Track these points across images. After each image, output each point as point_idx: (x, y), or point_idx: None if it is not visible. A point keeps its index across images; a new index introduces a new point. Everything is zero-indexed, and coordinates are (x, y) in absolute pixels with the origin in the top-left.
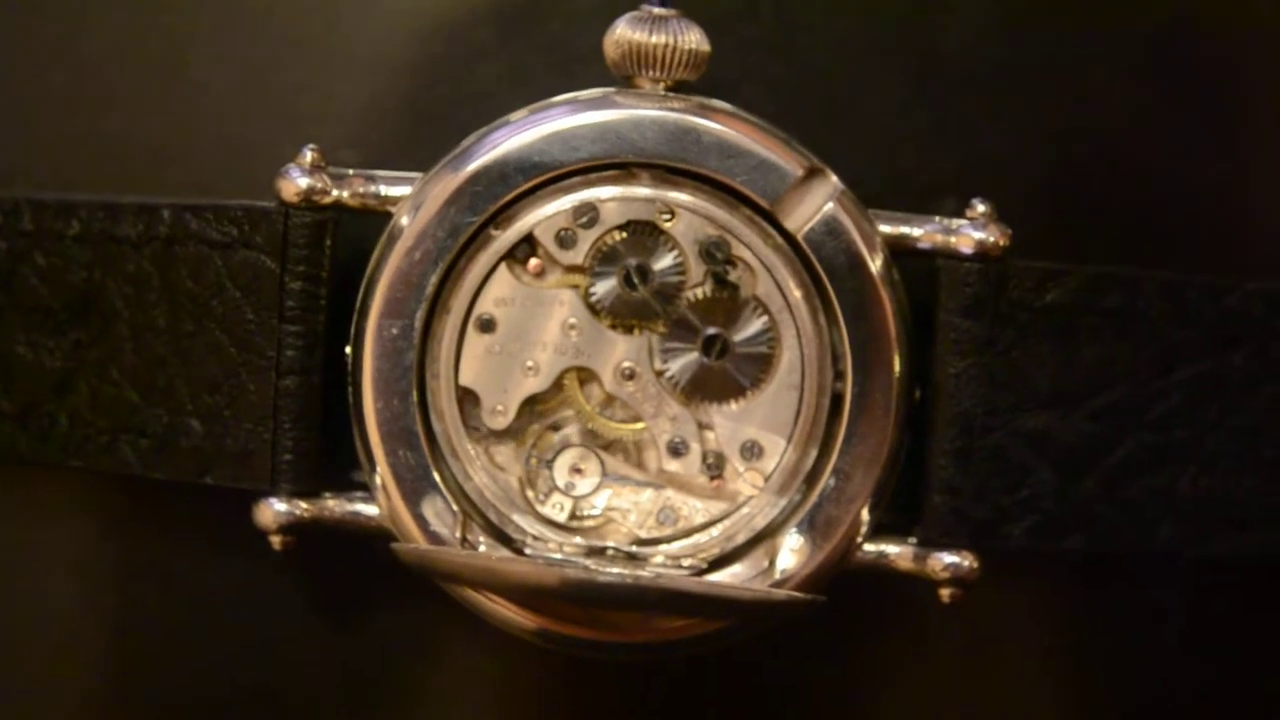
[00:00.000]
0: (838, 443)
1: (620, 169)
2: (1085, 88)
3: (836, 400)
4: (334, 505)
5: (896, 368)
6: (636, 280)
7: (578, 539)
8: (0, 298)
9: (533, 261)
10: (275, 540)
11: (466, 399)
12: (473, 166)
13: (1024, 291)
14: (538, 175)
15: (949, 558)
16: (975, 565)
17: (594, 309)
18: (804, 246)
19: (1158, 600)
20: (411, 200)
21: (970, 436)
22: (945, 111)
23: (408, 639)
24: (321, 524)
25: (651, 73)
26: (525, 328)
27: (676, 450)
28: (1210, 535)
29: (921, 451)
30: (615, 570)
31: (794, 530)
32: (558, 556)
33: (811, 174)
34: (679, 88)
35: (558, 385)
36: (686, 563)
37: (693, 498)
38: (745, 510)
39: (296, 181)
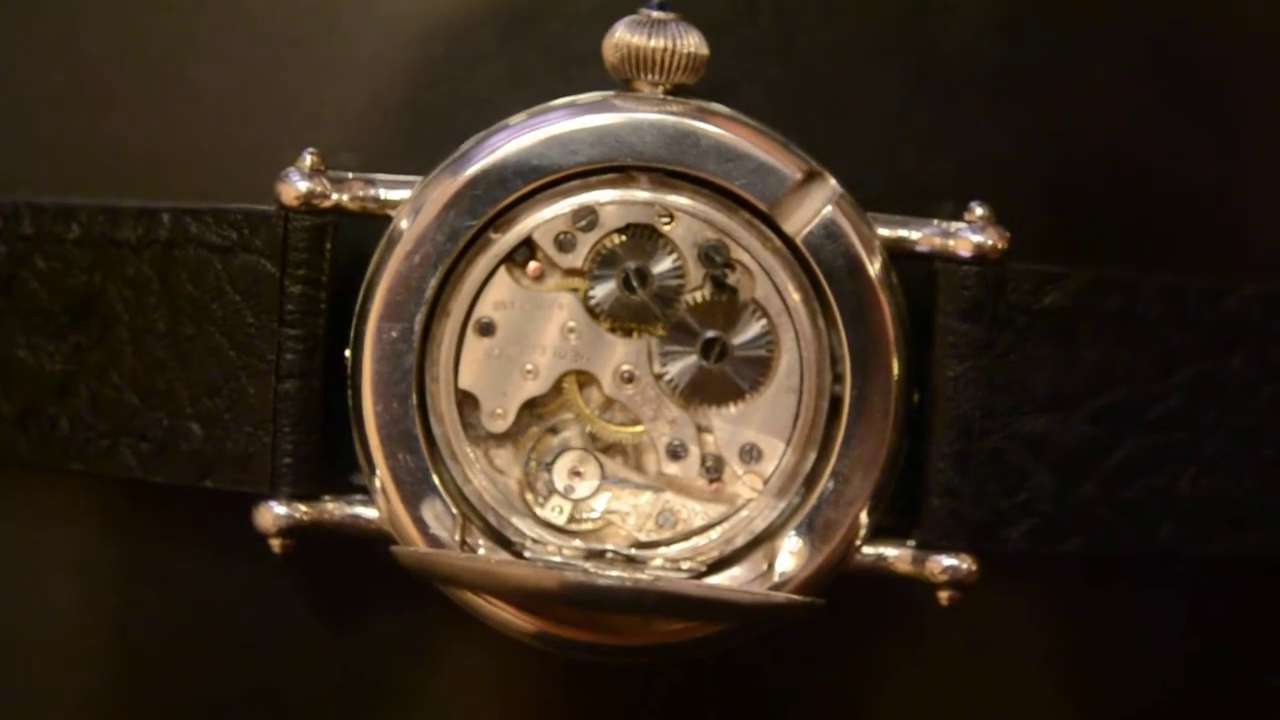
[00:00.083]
0: (836, 446)
1: (619, 172)
2: (1083, 91)
3: (835, 403)
4: (334, 508)
5: (895, 371)
6: (635, 283)
7: (577, 542)
8: (0, 301)
9: (532, 265)
10: (275, 543)
11: (466, 402)
12: (472, 170)
13: (1022, 294)
14: (537, 179)
15: (948, 560)
16: (974, 568)
17: (593, 312)
18: (803, 250)
19: (1157, 602)
20: (411, 204)
21: (969, 439)
22: (943, 115)
23: (407, 642)
24: (321, 527)
25: (650, 76)
26: (524, 331)
27: (675, 453)
28: (1210, 536)
29: (920, 454)
30: (614, 573)
31: (793, 533)
32: (557, 559)
33: (810, 177)
34: (678, 91)
35: (557, 388)
36: (685, 566)
37: (692, 500)
38: (744, 513)
39: (296, 185)
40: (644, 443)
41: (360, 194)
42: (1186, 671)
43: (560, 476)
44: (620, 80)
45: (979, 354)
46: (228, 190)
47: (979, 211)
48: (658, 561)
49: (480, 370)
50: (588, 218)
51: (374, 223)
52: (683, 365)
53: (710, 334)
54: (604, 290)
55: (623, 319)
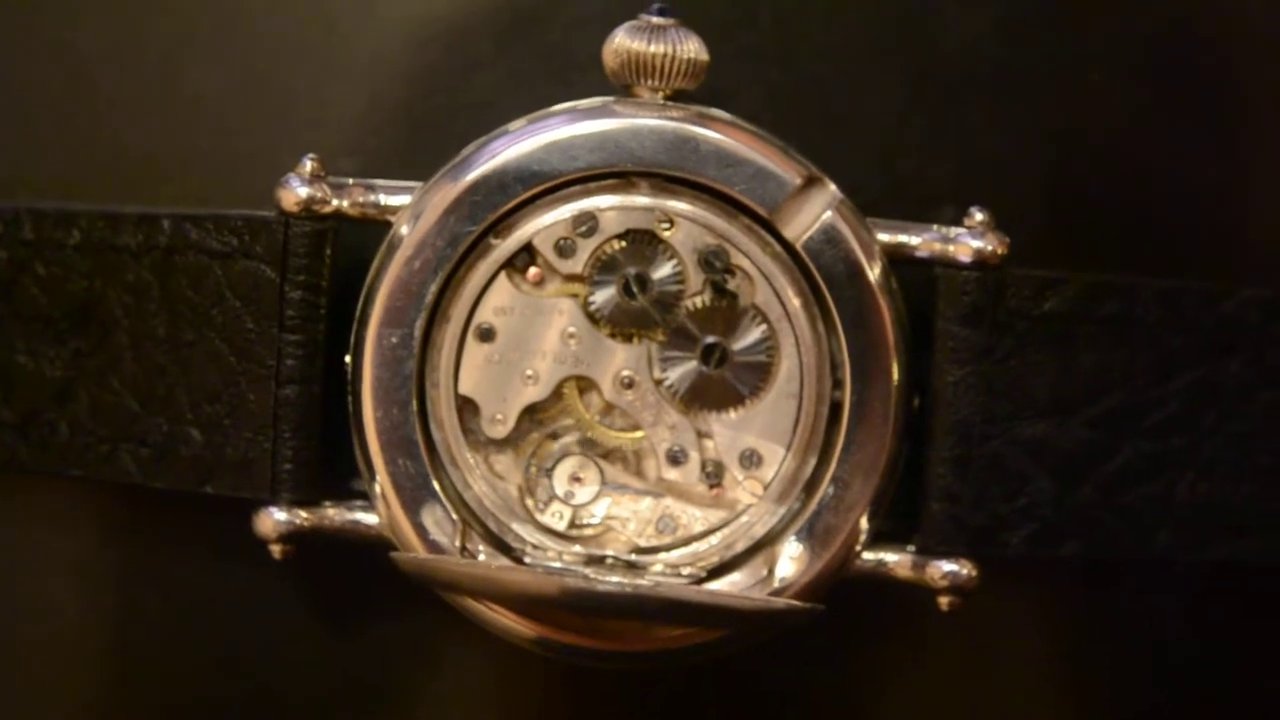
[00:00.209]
0: (836, 451)
1: (619, 178)
2: (1082, 95)
3: (835, 408)
4: (334, 514)
5: (895, 376)
6: (635, 289)
7: (577, 547)
8: (1, 307)
9: (532, 270)
10: (275, 549)
11: (466, 408)
12: (472, 176)
13: (1022, 300)
14: (537, 184)
15: (947, 565)
16: (974, 573)
17: (593, 318)
18: (802, 255)
19: (1156, 606)
20: (411, 209)
21: (968, 444)
22: (943, 120)
23: (407, 648)
24: (321, 533)
25: (650, 82)
26: (524, 336)
27: (675, 459)
28: (1208, 541)
29: (920, 460)
30: (614, 579)
31: (793, 538)
32: (557, 565)
33: (810, 182)
34: (678, 97)
35: (557, 394)
36: (685, 571)
37: (692, 506)
38: (744, 518)
39: (296, 191)
40: (644, 448)
41: (360, 199)
42: (1186, 675)
43: (560, 482)
44: (620, 86)
45: (979, 359)
46: (228, 196)
47: (978, 217)
48: (658, 567)
49: (480, 376)
50: (588, 223)
51: (374, 228)
52: (683, 371)
53: (710, 339)
54: (604, 296)
55: (623, 324)
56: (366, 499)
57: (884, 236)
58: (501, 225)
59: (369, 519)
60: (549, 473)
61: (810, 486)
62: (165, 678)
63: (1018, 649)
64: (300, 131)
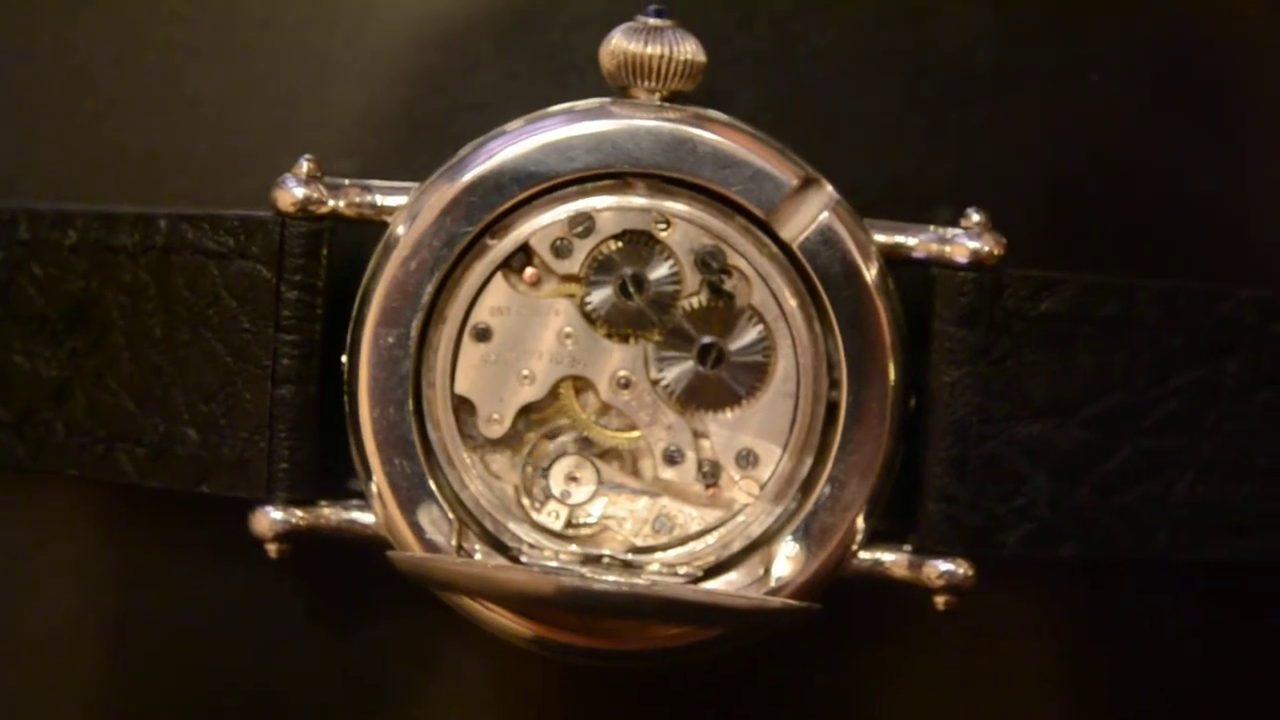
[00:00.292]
0: (833, 451)
1: (616, 179)
2: (1080, 96)
3: (832, 409)
4: (330, 514)
5: (891, 376)
6: (632, 289)
7: (573, 547)
8: None
9: (528, 271)
10: (271, 549)
11: (462, 408)
12: (469, 176)
13: (1019, 300)
14: (533, 185)
15: (944, 565)
16: (970, 573)
17: (589, 318)
18: (799, 256)
19: (1155, 606)
20: (407, 210)
21: (965, 444)
22: (940, 121)
23: (404, 647)
24: (318, 532)
25: (647, 83)
26: (521, 337)
27: (672, 458)
28: (1207, 542)
29: (916, 460)
30: (611, 578)
31: (789, 538)
32: (553, 564)
33: (806, 183)
34: (674, 98)
35: (553, 394)
36: (682, 570)
37: (688, 506)
38: (741, 518)
39: (292, 191)
40: (640, 448)
41: (357, 200)
42: (1185, 675)
43: (557, 482)
44: (617, 87)
45: (976, 359)
46: (224, 196)
47: (975, 217)
48: (654, 566)
49: (477, 376)
50: (584, 224)
51: (370, 229)
52: (679, 371)
53: (707, 340)
54: (601, 296)
55: (619, 325)
56: (363, 498)
57: (881, 237)
58: (498, 226)
59: (365, 518)
60: (545, 472)
61: (807, 486)
62: (162, 677)
63: (1015, 649)
64: (298, 132)
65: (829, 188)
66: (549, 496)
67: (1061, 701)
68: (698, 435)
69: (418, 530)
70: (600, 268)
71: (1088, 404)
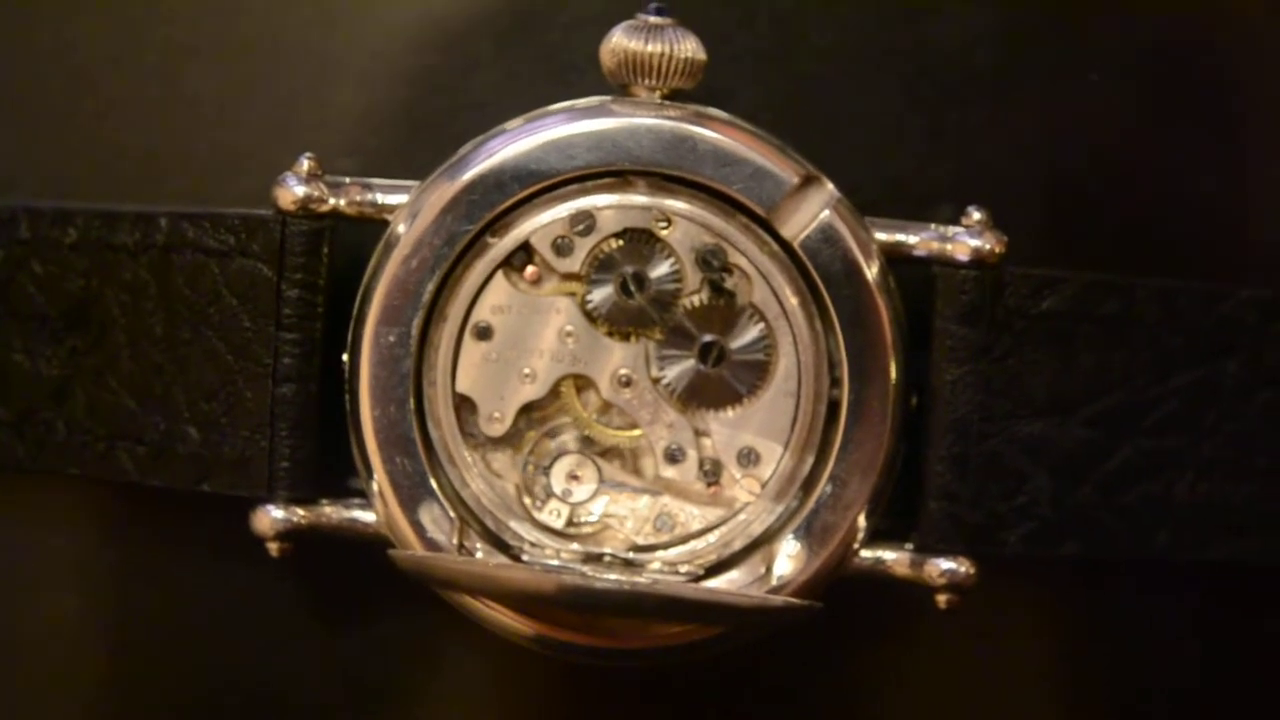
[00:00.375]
0: (834, 449)
1: (617, 177)
2: (1080, 95)
3: (833, 407)
4: (331, 512)
5: (893, 374)
6: (633, 288)
7: (574, 545)
8: None
9: (529, 269)
10: (273, 547)
11: (463, 406)
12: (469, 174)
13: (1020, 298)
14: (534, 183)
15: (945, 564)
16: (972, 571)
17: (591, 316)
18: (800, 254)
19: (1156, 605)
20: (408, 208)
21: (967, 443)
22: (941, 119)
23: (405, 645)
24: (319, 531)
25: (648, 81)
26: (522, 335)
27: (673, 457)
28: (1208, 541)
29: (918, 458)
30: (612, 576)
31: (791, 536)
32: (554, 563)
33: (807, 181)
34: (675, 96)
35: (554, 392)
36: (683, 569)
37: (689, 504)
38: (742, 517)
39: (293, 190)
40: (642, 446)
41: (357, 198)
42: (1186, 675)
43: (558, 480)
44: (617, 85)
45: (977, 358)
46: (225, 195)
47: (976, 216)
48: (655, 565)
49: (478, 374)
50: (585, 222)
51: (371, 227)
52: (680, 369)
53: (708, 338)
54: (601, 294)
55: (620, 323)
56: (364, 497)
57: (882, 235)
58: (499, 224)
59: (366, 517)
60: (547, 471)
61: (808, 485)
62: (162, 676)
63: (1016, 648)
64: (298, 132)
65: (830, 186)
66: (550, 495)
67: (1062, 701)
68: (699, 434)
69: (419, 529)
70: (601, 266)
71: (1089, 403)
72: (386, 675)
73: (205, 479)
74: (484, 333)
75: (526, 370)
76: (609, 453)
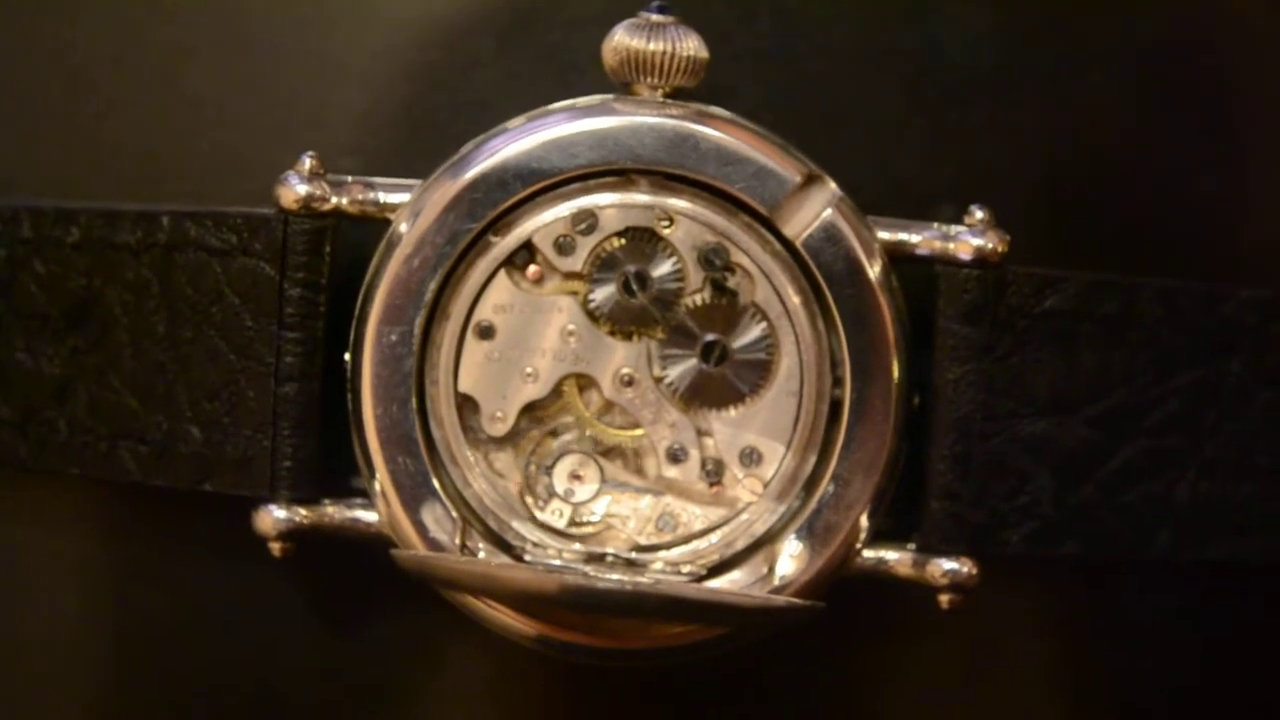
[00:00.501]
0: (837, 449)
1: (619, 176)
2: (1082, 94)
3: (835, 406)
4: (333, 512)
5: (895, 374)
6: (635, 287)
7: (577, 545)
8: None
9: (531, 268)
10: (275, 547)
11: (465, 405)
12: (471, 173)
13: (1022, 298)
14: (536, 182)
15: (948, 564)
16: (974, 571)
17: (593, 316)
18: (802, 253)
19: (1158, 605)
20: (410, 207)
21: (969, 442)
22: (943, 119)
23: (407, 646)
24: (321, 530)
25: (650, 79)
26: (524, 334)
27: (675, 456)
28: (1209, 541)
29: (920, 457)
30: (614, 576)
31: (793, 536)
32: (557, 563)
33: (810, 180)
34: (677, 94)
35: (557, 392)
36: (685, 569)
37: (692, 504)
38: (744, 516)
39: (295, 189)
40: (644, 446)
41: (359, 197)
42: (1186, 675)
43: (560, 480)
44: (620, 84)
45: (979, 357)
46: (227, 194)
47: (979, 215)
48: (658, 565)
49: (480, 373)
50: (587, 221)
51: (373, 226)
52: (683, 368)
53: (710, 337)
54: (604, 293)
55: (622, 322)
56: (366, 496)
57: (884, 234)
58: (501, 223)
59: (369, 516)
60: (549, 470)
61: (810, 484)
62: (165, 675)
63: (1018, 647)
64: (299, 131)
65: (832, 185)
66: (552, 495)
67: (1063, 700)
68: (701, 433)
69: (421, 528)
70: (603, 265)
71: (1090, 402)
72: (388, 675)
73: (207, 478)
74: (486, 332)
75: (529, 369)
76: (611, 452)
